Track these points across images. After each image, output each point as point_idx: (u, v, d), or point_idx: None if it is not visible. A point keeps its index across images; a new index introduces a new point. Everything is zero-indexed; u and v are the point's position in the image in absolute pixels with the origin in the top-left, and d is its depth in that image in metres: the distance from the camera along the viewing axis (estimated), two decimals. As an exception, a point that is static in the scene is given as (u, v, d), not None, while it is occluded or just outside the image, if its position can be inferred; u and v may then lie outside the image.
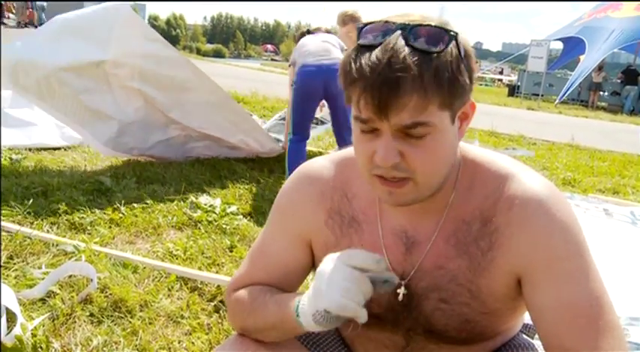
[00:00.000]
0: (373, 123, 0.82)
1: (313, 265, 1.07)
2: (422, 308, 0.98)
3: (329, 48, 3.91)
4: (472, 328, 0.97)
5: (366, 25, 0.84)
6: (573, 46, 20.05)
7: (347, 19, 3.95)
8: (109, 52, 3.75)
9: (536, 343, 1.06)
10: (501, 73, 35.36)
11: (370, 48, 0.79)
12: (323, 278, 0.85)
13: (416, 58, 0.77)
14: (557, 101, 17.68)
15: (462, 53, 0.81)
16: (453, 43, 0.80)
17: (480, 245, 0.92)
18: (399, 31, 0.79)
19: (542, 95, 17.42)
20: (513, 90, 20.68)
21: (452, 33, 0.80)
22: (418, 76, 0.77)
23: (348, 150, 1.04)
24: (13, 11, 22.21)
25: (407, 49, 0.77)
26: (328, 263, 0.87)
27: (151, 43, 3.92)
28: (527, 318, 1.02)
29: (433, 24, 0.80)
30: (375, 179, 0.86)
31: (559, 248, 0.87)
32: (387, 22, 0.82)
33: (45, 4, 21.47)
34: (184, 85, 3.99)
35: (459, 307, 0.95)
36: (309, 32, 4.27)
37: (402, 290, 0.97)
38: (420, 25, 0.79)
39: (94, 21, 3.82)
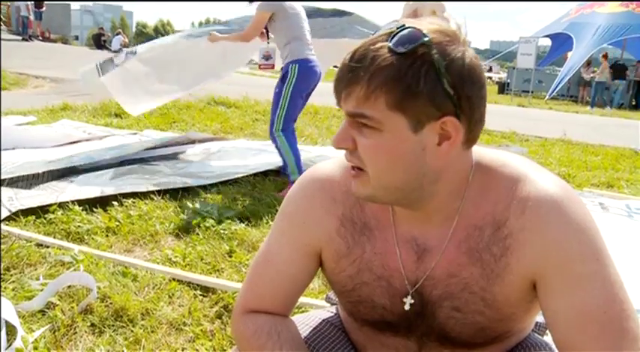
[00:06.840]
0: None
1: (320, 266, 1.05)
2: (435, 316, 0.96)
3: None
4: (487, 335, 0.95)
5: None
6: (561, 42, 20.20)
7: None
8: None
9: (547, 339, 1.05)
10: (490, 70, 35.48)
11: None
12: None
13: (378, 54, 0.79)
14: (547, 97, 17.79)
15: (439, 63, 0.78)
16: (424, 49, 0.78)
17: (492, 251, 0.89)
18: (387, 33, 0.81)
19: (532, 92, 17.49)
20: (503, 88, 20.76)
21: (425, 39, 0.78)
22: (368, 67, 0.79)
23: None
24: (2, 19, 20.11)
25: (377, 46, 0.80)
26: None
27: None
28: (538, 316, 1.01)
29: (419, 27, 0.80)
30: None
31: (573, 251, 0.84)
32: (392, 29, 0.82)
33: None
34: None
35: (473, 315, 0.93)
36: None
37: (408, 300, 0.95)
38: (407, 28, 0.80)
39: None
